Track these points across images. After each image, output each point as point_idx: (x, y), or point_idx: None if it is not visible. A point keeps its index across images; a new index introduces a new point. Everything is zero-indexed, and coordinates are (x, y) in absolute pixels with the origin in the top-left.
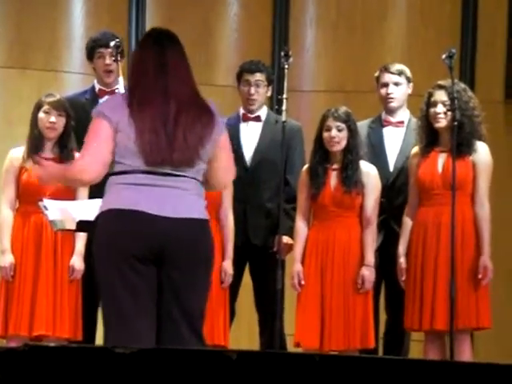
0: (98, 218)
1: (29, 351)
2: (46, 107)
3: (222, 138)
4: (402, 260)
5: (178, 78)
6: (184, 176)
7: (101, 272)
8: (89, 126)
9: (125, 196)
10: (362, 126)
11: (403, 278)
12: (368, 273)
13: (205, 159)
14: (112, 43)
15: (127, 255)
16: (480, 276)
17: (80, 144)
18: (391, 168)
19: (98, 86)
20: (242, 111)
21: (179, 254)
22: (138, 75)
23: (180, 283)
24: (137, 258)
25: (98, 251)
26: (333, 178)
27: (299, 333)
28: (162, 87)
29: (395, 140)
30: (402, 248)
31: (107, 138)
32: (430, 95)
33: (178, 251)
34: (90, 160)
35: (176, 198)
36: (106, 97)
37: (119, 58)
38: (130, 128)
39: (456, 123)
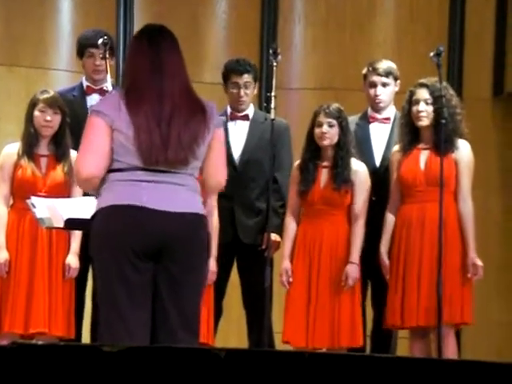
0: (96, 214)
1: (17, 349)
2: (41, 105)
3: (216, 136)
4: (385, 258)
5: (173, 77)
6: (181, 173)
7: (99, 267)
8: (85, 124)
9: (124, 192)
10: (350, 122)
11: (388, 277)
12: (352, 269)
13: (200, 157)
14: (100, 41)
15: (127, 250)
16: (470, 274)
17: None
18: (377, 164)
19: (85, 83)
20: (229, 110)
21: (178, 248)
22: (132, 74)
23: (178, 277)
24: (136, 254)
25: (98, 246)
26: (323, 175)
27: (287, 331)
28: (157, 87)
29: (381, 136)
30: (384, 246)
31: (104, 134)
32: (412, 93)
33: (178, 245)
34: (87, 154)
35: (174, 193)
36: (94, 94)
37: (107, 56)
38: (127, 127)
39: (443, 121)
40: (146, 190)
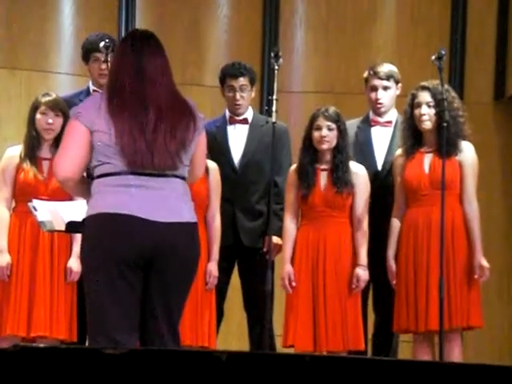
0: (85, 220)
1: (19, 352)
2: (42, 108)
3: (201, 138)
4: (391, 263)
5: (156, 83)
6: (171, 176)
7: (88, 276)
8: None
9: (113, 199)
10: (351, 125)
11: (394, 282)
12: (362, 272)
13: (187, 162)
14: (101, 44)
15: (117, 260)
16: (476, 276)
17: None
18: (379, 167)
19: (92, 88)
20: (228, 114)
21: (169, 258)
22: (116, 80)
23: (167, 285)
24: (126, 264)
25: (87, 256)
26: (322, 179)
27: (292, 335)
28: (140, 94)
29: (383, 139)
30: (391, 251)
31: (82, 138)
32: (414, 96)
33: (169, 256)
34: (63, 157)
35: (164, 202)
36: None
37: (109, 59)
38: (109, 128)
39: (445, 124)
40: (136, 198)
